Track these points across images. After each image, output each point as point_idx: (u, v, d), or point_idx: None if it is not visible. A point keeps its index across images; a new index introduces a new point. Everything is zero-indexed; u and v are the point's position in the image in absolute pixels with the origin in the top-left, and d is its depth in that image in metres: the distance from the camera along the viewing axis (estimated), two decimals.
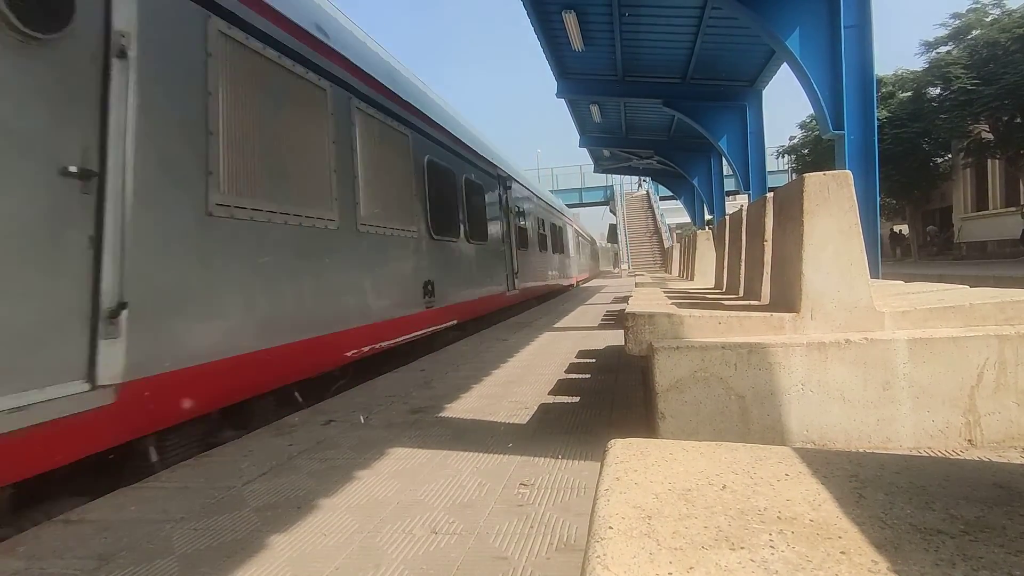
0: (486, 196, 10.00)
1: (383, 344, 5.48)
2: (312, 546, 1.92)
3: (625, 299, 10.42)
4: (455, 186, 8.28)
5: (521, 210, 12.92)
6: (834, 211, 2.51)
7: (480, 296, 9.01)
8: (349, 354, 4.87)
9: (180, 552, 1.93)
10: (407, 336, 6.06)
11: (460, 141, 8.60)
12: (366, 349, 5.15)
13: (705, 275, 7.27)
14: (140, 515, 2.27)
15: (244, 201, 3.67)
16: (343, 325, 4.79)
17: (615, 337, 6.69)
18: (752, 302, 3.46)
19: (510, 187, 11.70)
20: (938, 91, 21.34)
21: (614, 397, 3.79)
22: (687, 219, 28.83)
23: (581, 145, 20.57)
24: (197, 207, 3.31)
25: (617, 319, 8.84)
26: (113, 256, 2.65)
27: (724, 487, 0.97)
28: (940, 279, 12.55)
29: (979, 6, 20.23)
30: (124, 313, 2.67)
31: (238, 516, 2.20)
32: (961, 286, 3.38)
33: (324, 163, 4.71)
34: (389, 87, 6.23)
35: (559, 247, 18.84)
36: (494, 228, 10.33)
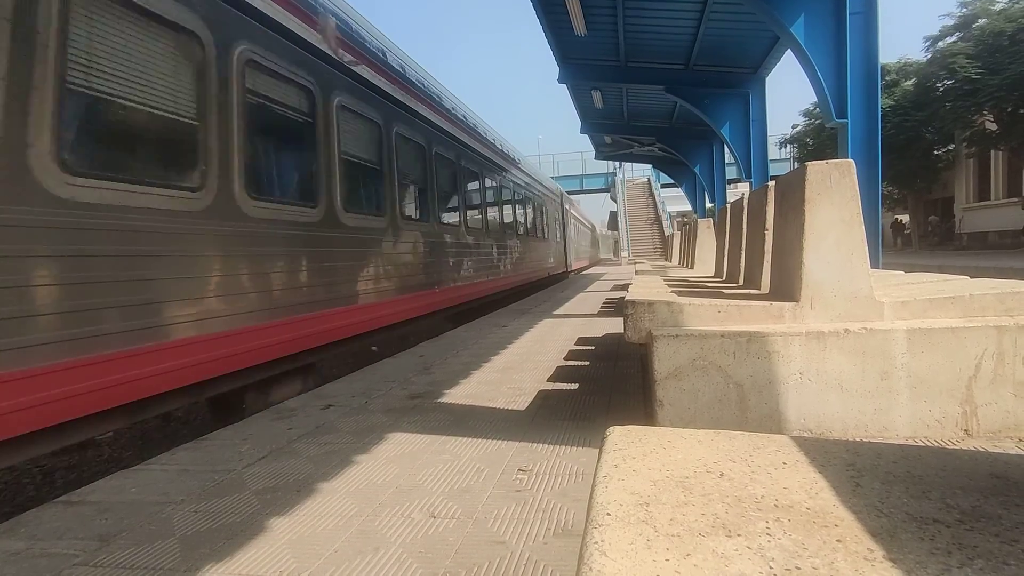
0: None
1: None
2: (311, 529, 1.93)
3: (625, 287, 10.43)
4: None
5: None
6: (836, 200, 2.50)
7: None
8: None
9: (180, 534, 1.95)
10: None
11: None
12: None
13: (705, 263, 7.26)
14: (140, 497, 2.29)
15: None
16: None
17: (614, 325, 6.69)
18: (752, 291, 3.46)
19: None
20: (942, 81, 21.17)
21: (612, 384, 3.80)
22: (688, 207, 28.76)
23: (582, 131, 20.44)
24: None
25: (616, 307, 8.85)
26: None
27: (722, 475, 0.97)
28: (940, 269, 12.55)
29: None
30: None
31: (238, 499, 2.22)
32: (961, 277, 3.37)
33: None
34: None
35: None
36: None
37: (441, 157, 7.95)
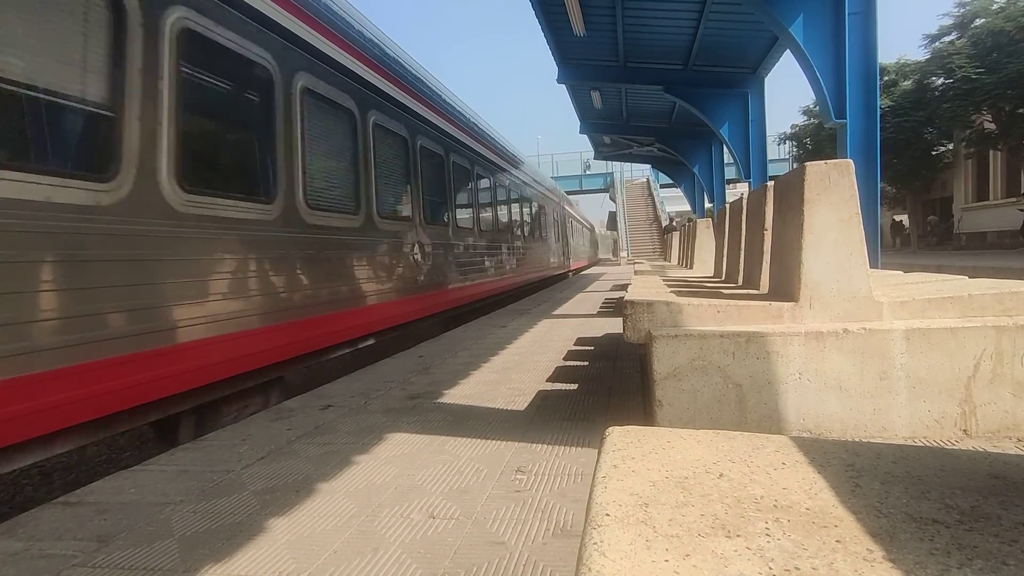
0: None
1: None
2: (310, 529, 1.93)
3: (624, 287, 10.44)
4: None
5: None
6: (835, 200, 2.50)
7: None
8: None
9: (179, 534, 1.94)
10: None
11: None
12: None
13: (704, 263, 7.27)
14: (139, 497, 2.28)
15: None
16: None
17: (613, 325, 6.69)
18: (751, 291, 3.46)
19: None
20: (941, 80, 21.20)
21: (612, 385, 3.80)
22: (687, 207, 28.79)
23: (581, 131, 20.45)
24: None
25: (615, 307, 8.85)
26: None
27: (721, 475, 0.97)
28: (939, 269, 12.57)
29: None
30: None
31: (237, 499, 2.22)
32: (960, 277, 3.37)
33: None
34: None
35: None
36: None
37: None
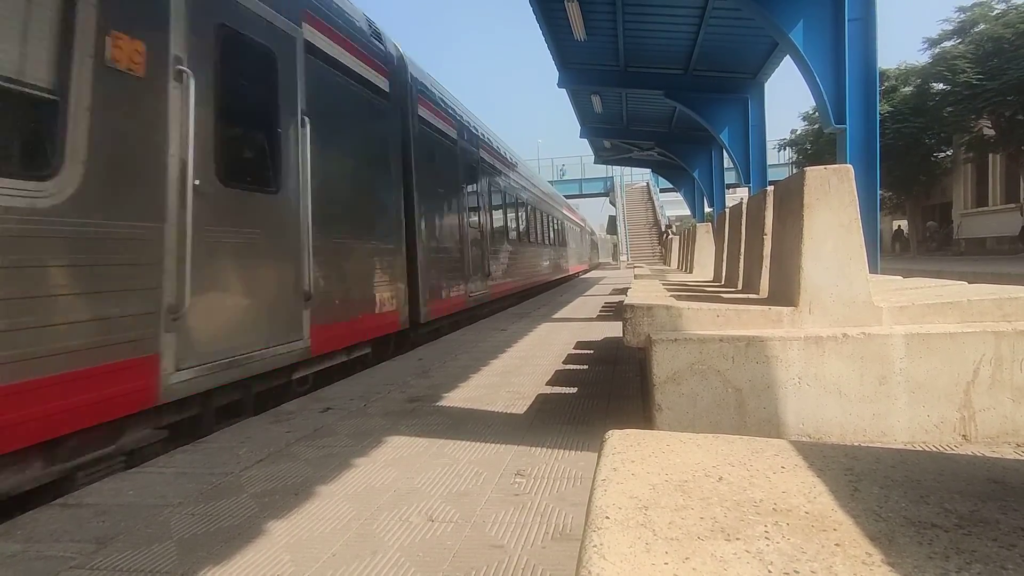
0: None
1: None
2: (309, 532, 1.93)
3: (623, 291, 10.46)
4: None
5: None
6: (834, 205, 2.51)
7: None
8: None
9: (178, 537, 1.94)
10: None
11: None
12: None
13: (704, 268, 7.27)
14: (138, 499, 2.28)
15: None
16: None
17: (613, 328, 6.70)
18: (751, 295, 3.46)
19: None
20: (941, 86, 21.28)
21: (611, 388, 3.80)
22: (687, 211, 28.87)
23: (582, 136, 20.50)
24: None
25: (615, 311, 8.86)
26: None
27: (720, 479, 0.97)
28: (938, 275, 12.58)
29: (985, 0, 20.14)
30: None
31: (236, 502, 2.21)
32: (959, 282, 3.38)
33: None
34: None
35: None
36: None
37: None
